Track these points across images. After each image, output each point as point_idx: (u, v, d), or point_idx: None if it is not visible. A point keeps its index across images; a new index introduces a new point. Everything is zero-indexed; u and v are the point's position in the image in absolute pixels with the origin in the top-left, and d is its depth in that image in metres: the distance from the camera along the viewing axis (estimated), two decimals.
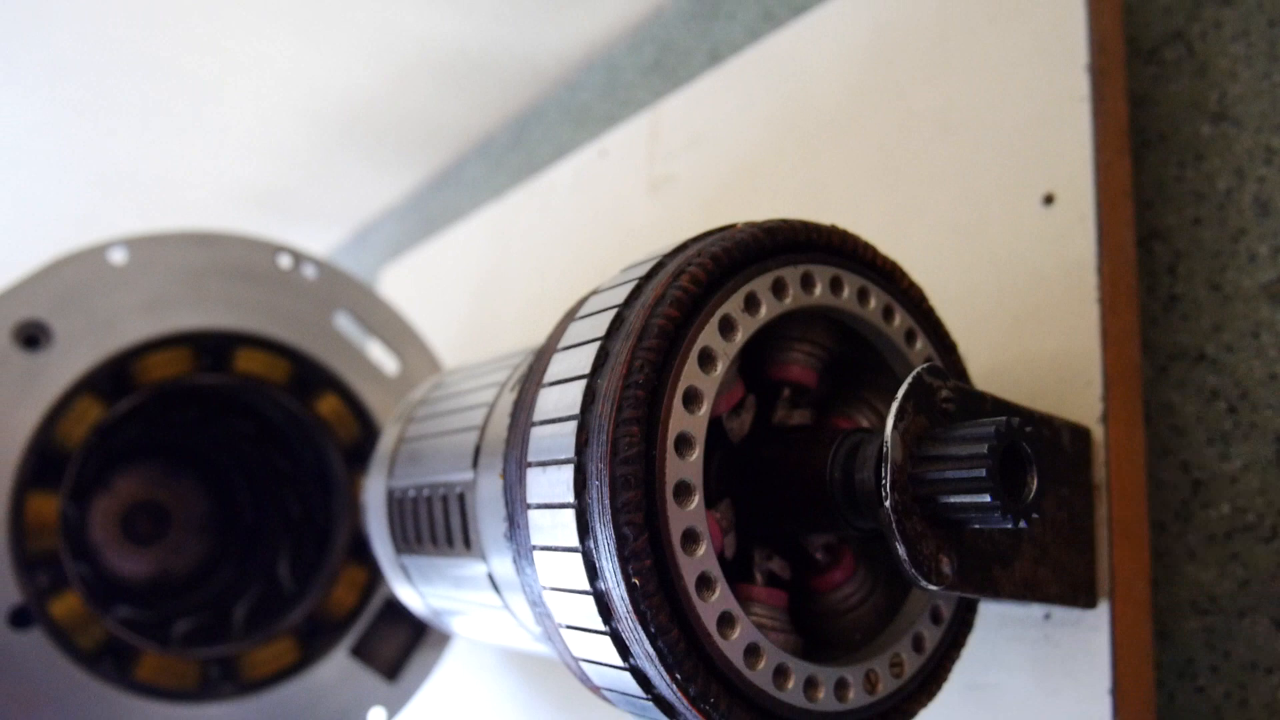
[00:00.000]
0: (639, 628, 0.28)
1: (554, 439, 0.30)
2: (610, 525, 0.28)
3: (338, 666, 0.67)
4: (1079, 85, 0.41)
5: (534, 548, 0.31)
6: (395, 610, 0.70)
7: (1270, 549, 0.38)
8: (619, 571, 0.28)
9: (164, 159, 1.14)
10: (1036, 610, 0.38)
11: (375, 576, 0.71)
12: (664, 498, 0.28)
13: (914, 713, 0.33)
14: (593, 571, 0.29)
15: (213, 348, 0.67)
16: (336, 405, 0.71)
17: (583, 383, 0.30)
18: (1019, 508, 0.27)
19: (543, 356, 0.34)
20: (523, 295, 0.79)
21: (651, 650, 0.28)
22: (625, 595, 0.28)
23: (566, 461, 0.29)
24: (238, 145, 1.10)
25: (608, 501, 0.28)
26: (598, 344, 0.30)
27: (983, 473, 0.27)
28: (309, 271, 0.71)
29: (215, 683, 0.65)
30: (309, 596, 0.69)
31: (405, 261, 1.03)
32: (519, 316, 0.78)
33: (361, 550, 0.72)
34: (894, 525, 0.28)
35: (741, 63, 0.61)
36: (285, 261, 0.70)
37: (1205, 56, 0.44)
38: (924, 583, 0.29)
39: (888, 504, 0.28)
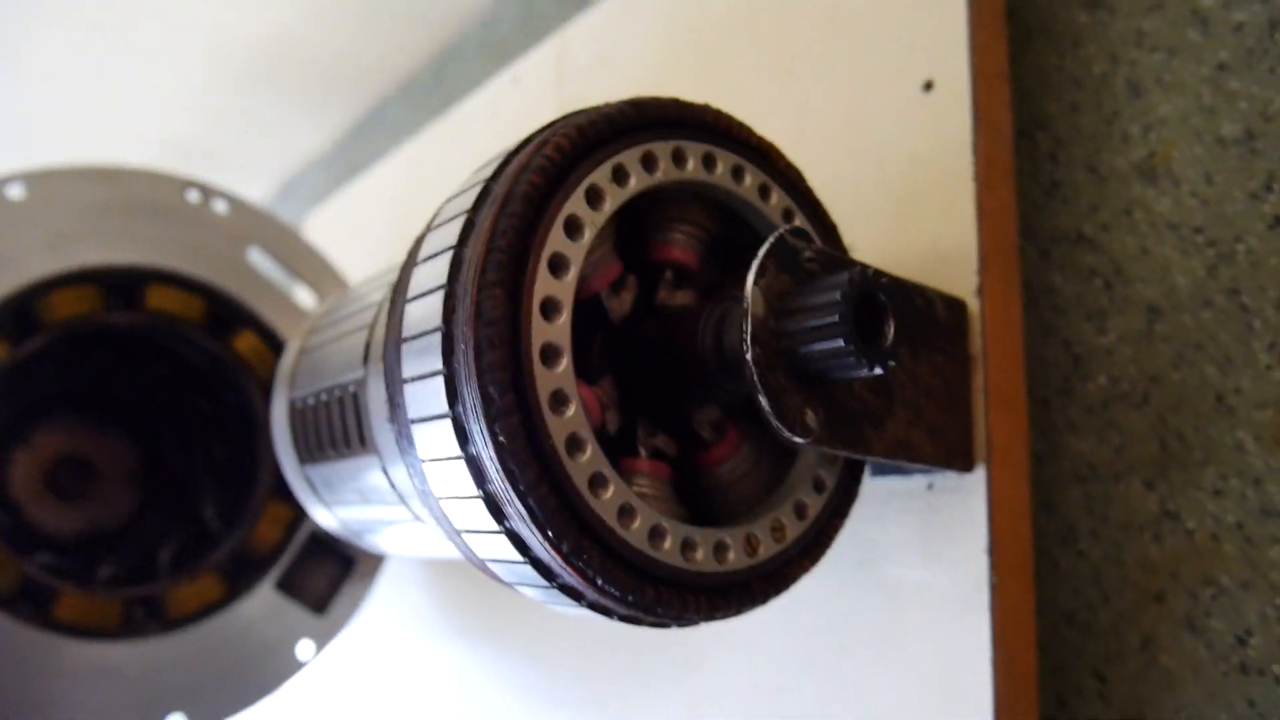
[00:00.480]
0: (509, 487, 0.28)
1: (424, 312, 0.30)
2: (476, 386, 0.28)
3: (264, 601, 0.67)
4: None
5: (410, 421, 0.31)
6: (322, 544, 0.70)
7: (1142, 414, 0.39)
8: (485, 431, 0.28)
9: (76, 115, 1.11)
10: (920, 481, 0.39)
11: (300, 513, 0.71)
12: (530, 359, 0.28)
13: (796, 576, 0.34)
14: (463, 436, 0.29)
15: (121, 285, 0.66)
16: (254, 342, 0.71)
17: (450, 253, 0.30)
18: (874, 354, 0.28)
19: (418, 241, 0.34)
20: None
21: (522, 509, 0.28)
22: (494, 455, 0.28)
23: (434, 331, 0.29)
24: (152, 96, 1.07)
25: (473, 363, 0.28)
26: (464, 216, 0.30)
27: (835, 318, 0.27)
28: (219, 207, 0.70)
29: (139, 621, 0.64)
30: (233, 535, 0.69)
31: (327, 208, 1.02)
32: None
33: (285, 487, 0.72)
34: (756, 379, 0.29)
35: None
36: (194, 196, 0.69)
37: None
38: (789, 434, 0.29)
39: (749, 357, 0.29)
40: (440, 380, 0.29)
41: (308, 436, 0.45)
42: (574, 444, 0.29)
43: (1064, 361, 0.42)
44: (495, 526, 0.30)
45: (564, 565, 0.29)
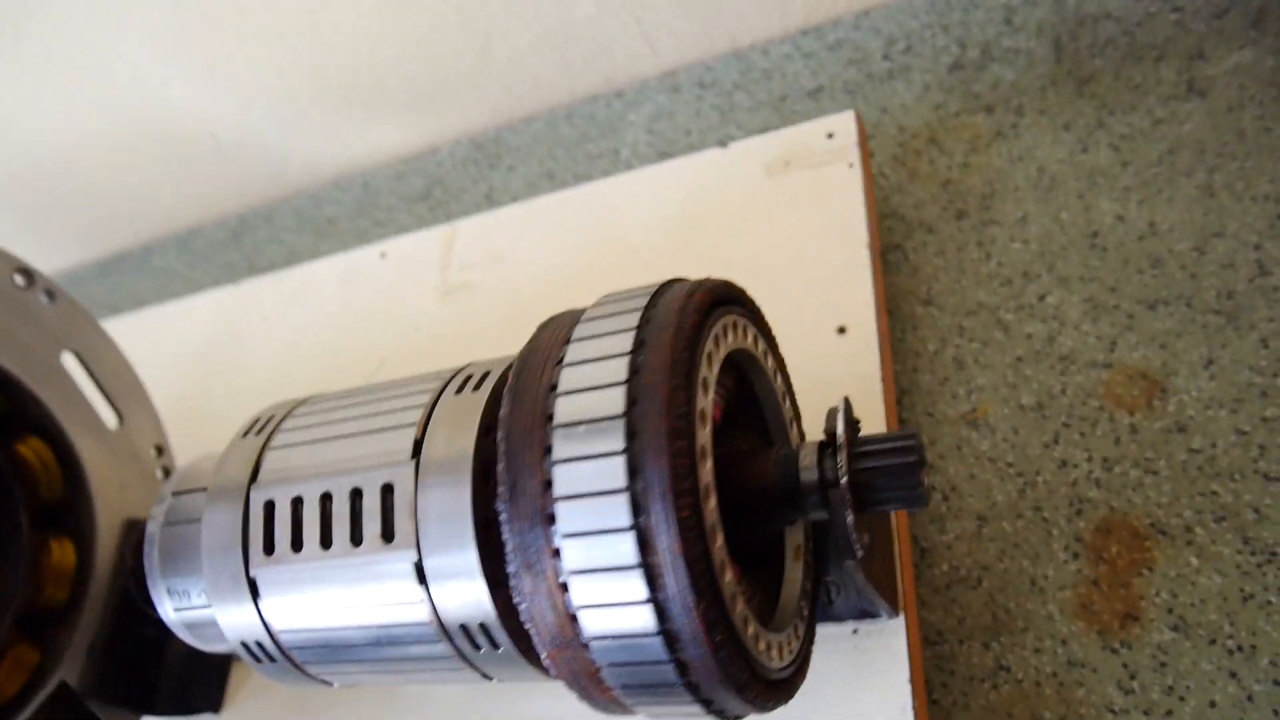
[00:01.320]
0: (690, 594, 0.33)
1: (595, 403, 0.35)
2: (666, 470, 0.33)
3: None
4: (862, 257, 0.57)
5: (558, 498, 0.34)
6: (70, 698, 0.59)
7: (977, 593, 0.53)
8: (669, 510, 0.33)
9: None
10: (847, 627, 0.48)
11: (50, 659, 0.59)
12: (694, 455, 0.34)
13: (799, 684, 0.41)
14: (637, 509, 0.33)
15: None
16: (43, 452, 0.62)
17: (626, 358, 0.36)
18: (927, 493, 0.38)
19: (546, 345, 0.39)
20: (266, 377, 0.76)
21: (698, 619, 0.33)
22: (675, 531, 0.33)
23: (612, 418, 0.34)
24: None
25: (665, 446, 0.33)
26: (632, 333, 0.37)
27: (914, 459, 0.38)
28: (43, 298, 0.63)
29: None
30: None
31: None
32: (262, 395, 0.75)
33: (34, 627, 0.60)
34: (849, 503, 0.37)
35: (556, 201, 0.71)
36: (20, 280, 0.61)
37: (917, 262, 0.63)
38: (854, 550, 0.38)
39: (844, 482, 0.37)
40: (620, 460, 0.34)
41: (275, 534, 0.43)
42: (723, 563, 0.35)
43: (914, 553, 0.55)
44: (645, 596, 0.33)
45: (711, 658, 0.34)
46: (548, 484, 0.35)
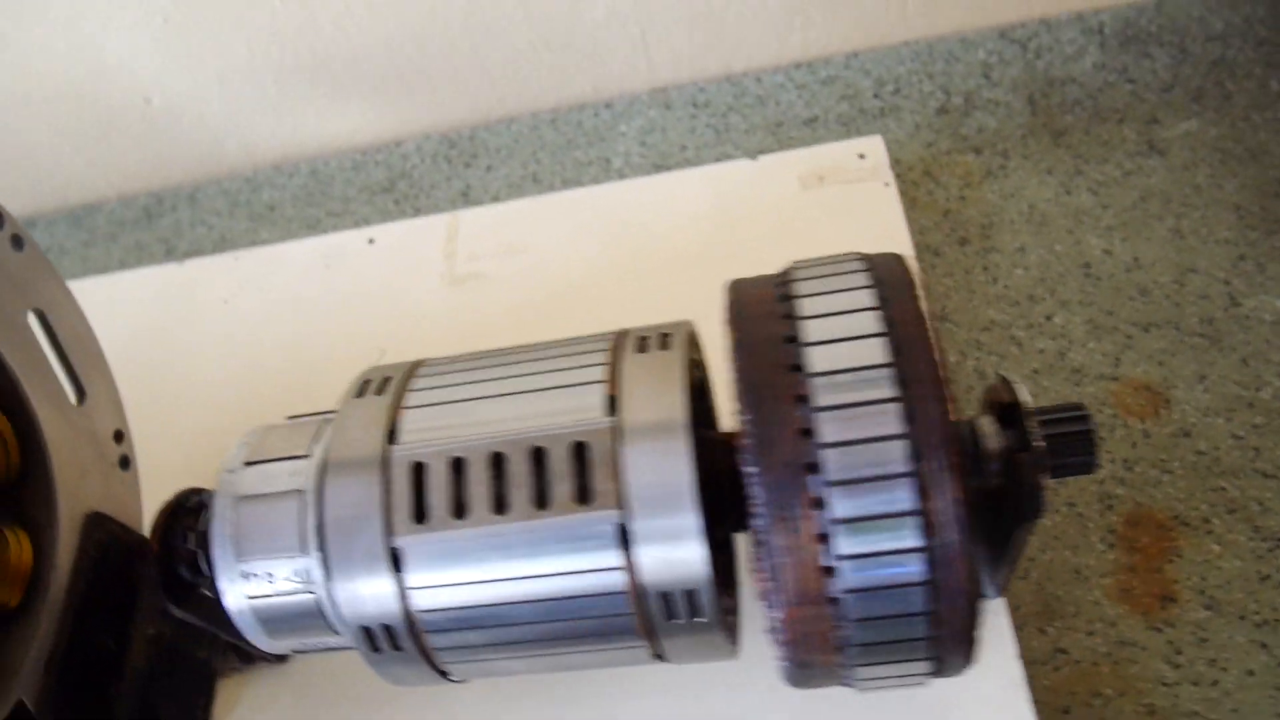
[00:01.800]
0: (961, 544, 0.33)
1: (855, 351, 0.35)
2: (947, 442, 0.34)
3: None
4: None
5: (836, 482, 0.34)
6: None
7: (1027, 583, 0.56)
8: (955, 488, 0.33)
9: None
10: None
11: (2, 673, 0.49)
12: None
13: None
14: (925, 492, 0.33)
15: None
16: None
17: (884, 338, 0.36)
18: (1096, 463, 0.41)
19: (754, 308, 0.38)
20: (224, 364, 0.68)
21: (963, 570, 0.33)
22: (962, 517, 0.33)
23: (888, 401, 0.34)
24: None
25: (944, 428, 0.34)
26: (872, 289, 0.37)
27: (1092, 427, 0.40)
28: (8, 246, 0.53)
29: None
30: None
31: None
32: (220, 382, 0.67)
33: None
34: (1045, 465, 0.39)
35: (576, 197, 0.70)
36: None
37: (928, 283, 0.68)
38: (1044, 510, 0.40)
39: (1037, 445, 0.39)
40: (895, 408, 0.34)
41: (431, 498, 0.38)
42: None
43: None
44: (920, 544, 0.33)
45: (966, 610, 0.34)
46: (806, 432, 0.35)
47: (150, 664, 0.57)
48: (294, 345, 0.68)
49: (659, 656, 0.41)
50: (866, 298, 0.37)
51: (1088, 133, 0.72)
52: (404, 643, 0.40)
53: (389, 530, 0.39)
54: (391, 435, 0.40)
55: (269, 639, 0.44)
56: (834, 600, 0.35)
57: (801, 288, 0.38)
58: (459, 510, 0.39)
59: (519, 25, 0.76)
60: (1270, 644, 0.52)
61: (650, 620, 0.39)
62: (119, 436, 0.61)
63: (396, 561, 0.39)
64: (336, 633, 0.43)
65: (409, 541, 0.39)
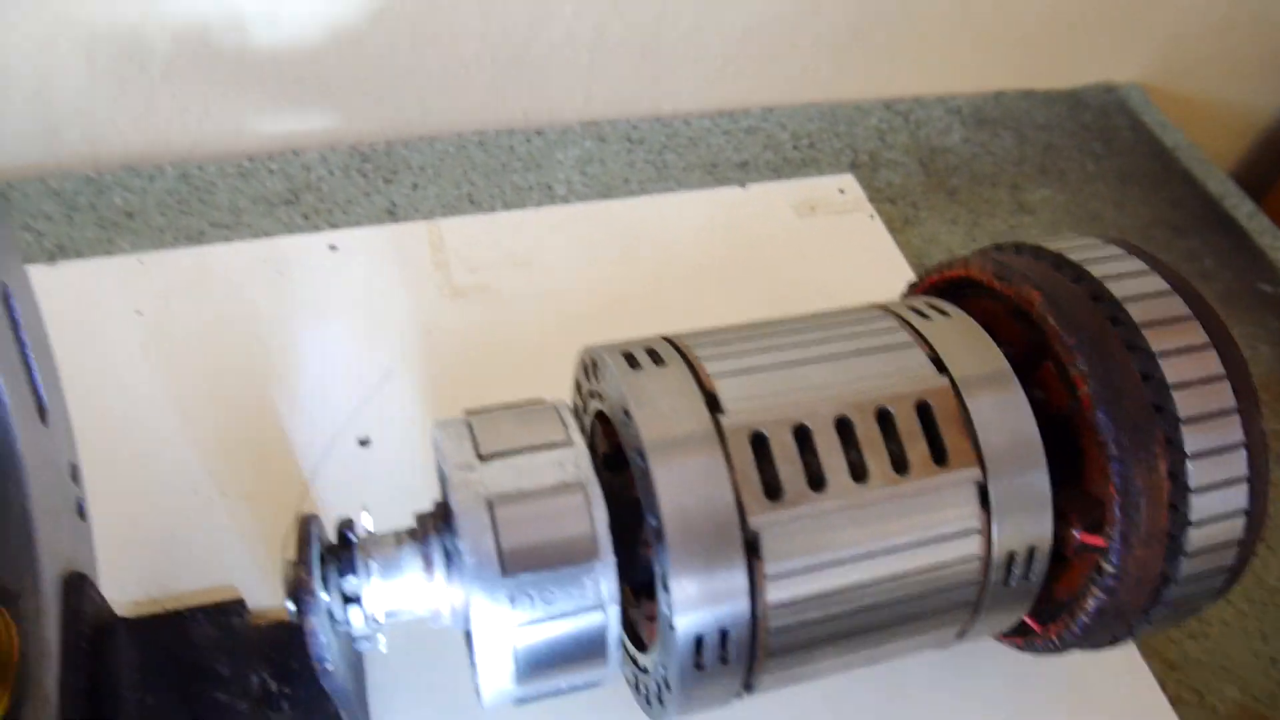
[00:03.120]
0: (1264, 475, 0.37)
1: (1166, 307, 0.38)
2: (1247, 379, 0.38)
3: None
4: None
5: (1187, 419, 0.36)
6: None
7: None
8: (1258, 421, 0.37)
9: None
10: None
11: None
12: None
13: None
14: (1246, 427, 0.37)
15: None
16: None
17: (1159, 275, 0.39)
18: None
19: (1044, 274, 0.40)
20: (182, 378, 0.53)
21: (1263, 498, 0.38)
22: (1263, 447, 0.37)
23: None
24: None
25: (1238, 352, 0.38)
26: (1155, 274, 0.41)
27: None
28: None
29: None
30: None
31: None
32: (161, 399, 0.52)
33: None
34: None
35: (576, 212, 0.65)
36: None
37: None
38: None
39: None
40: (1214, 352, 0.37)
41: (786, 469, 0.33)
42: None
43: None
44: (1246, 474, 0.37)
45: (1257, 539, 0.38)
46: (1146, 377, 0.37)
47: None
48: (252, 362, 0.54)
49: (960, 636, 0.39)
50: (1148, 263, 0.40)
51: (972, 193, 0.84)
52: (735, 649, 0.34)
53: (742, 514, 0.33)
54: (714, 406, 0.35)
55: (518, 684, 0.34)
56: (1173, 536, 0.37)
57: (1078, 255, 0.41)
58: (817, 482, 0.34)
59: (472, 35, 0.71)
60: None
61: (984, 589, 0.37)
62: (74, 473, 0.44)
63: (753, 549, 0.33)
64: (605, 663, 0.35)
65: (766, 522, 0.33)
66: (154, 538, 0.48)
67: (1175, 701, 0.51)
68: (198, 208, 0.69)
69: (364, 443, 0.52)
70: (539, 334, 0.58)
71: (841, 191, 0.71)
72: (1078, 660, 0.50)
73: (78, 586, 0.40)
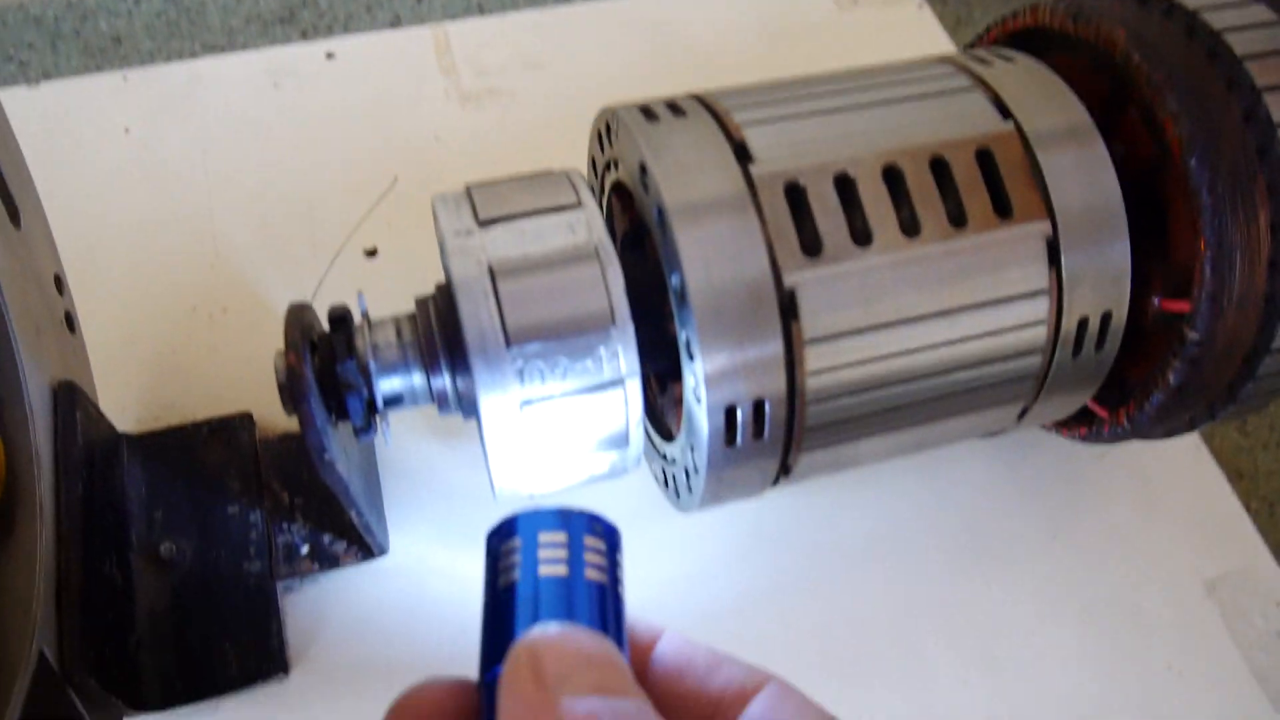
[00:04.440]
0: None
1: None
2: None
3: None
4: None
5: None
6: (49, 679, 0.31)
7: None
8: None
9: None
10: None
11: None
12: None
13: None
14: None
15: None
16: None
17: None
18: None
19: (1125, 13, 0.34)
20: (176, 194, 0.49)
21: None
22: None
23: None
24: None
25: None
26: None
27: None
28: None
29: None
30: None
31: None
32: (153, 218, 0.48)
33: None
34: None
35: (598, 10, 0.60)
36: None
37: None
38: None
39: None
40: None
41: (825, 226, 0.29)
42: None
43: None
44: None
45: None
46: (1249, 117, 0.31)
47: (174, 593, 0.39)
48: (249, 176, 0.50)
49: (1021, 418, 0.35)
50: None
51: None
52: (771, 423, 0.31)
53: (776, 270, 0.29)
54: (743, 155, 0.31)
55: (530, 472, 0.31)
56: (1271, 298, 0.32)
57: None
58: (861, 237, 0.30)
59: None
60: None
61: (1051, 360, 0.33)
62: (59, 284, 0.41)
63: (789, 310, 0.29)
64: (626, 446, 0.32)
65: (804, 280, 0.29)
66: (155, 356, 0.46)
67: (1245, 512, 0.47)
68: (188, 29, 0.64)
69: (371, 253, 0.48)
70: (554, 140, 0.53)
71: None
72: (1142, 459, 0.46)
73: (69, 397, 0.38)
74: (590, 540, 0.19)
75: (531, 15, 0.60)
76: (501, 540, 0.20)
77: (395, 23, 0.67)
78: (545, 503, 0.20)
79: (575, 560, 0.19)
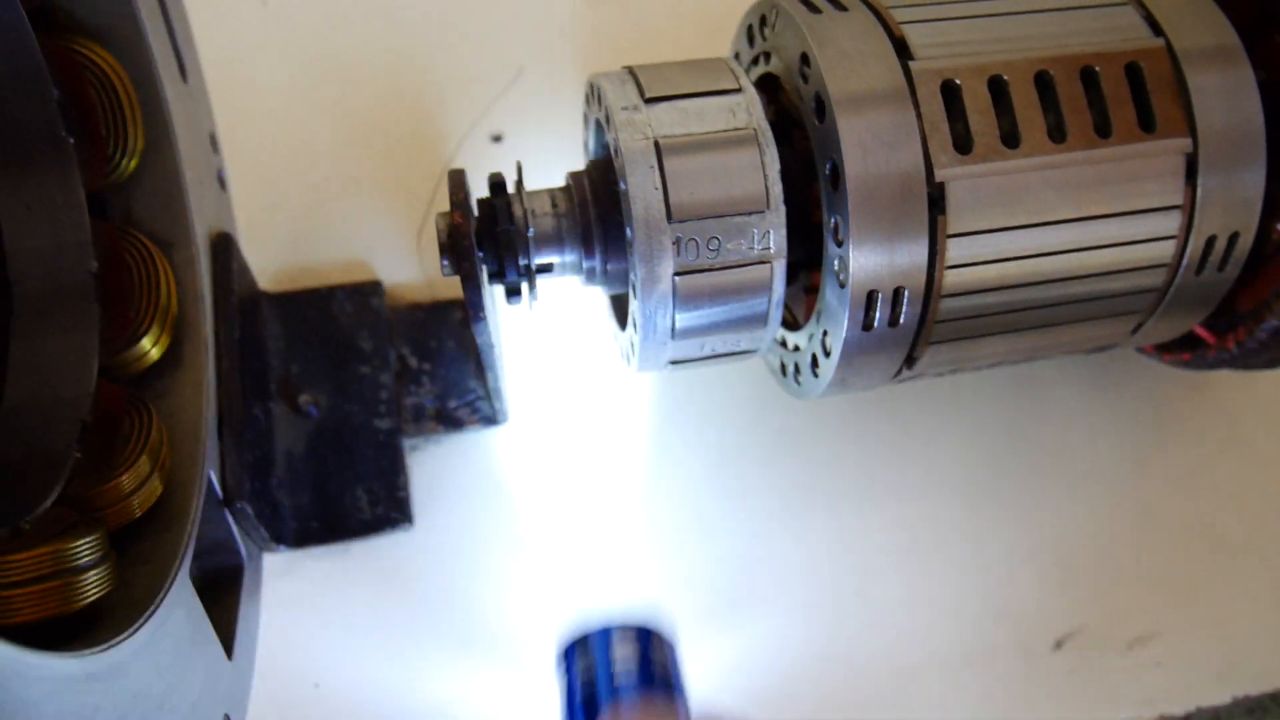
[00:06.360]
0: None
1: None
2: None
3: None
4: None
5: None
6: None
7: None
8: None
9: None
10: None
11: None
12: None
13: None
14: None
15: None
16: (120, 77, 0.34)
17: None
18: None
19: None
20: (314, 69, 0.51)
21: None
22: None
23: None
24: None
25: None
26: None
27: None
28: None
29: None
30: None
31: None
32: (293, 90, 0.50)
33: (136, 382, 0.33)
34: None
35: None
36: None
37: None
38: None
39: None
40: None
41: (978, 126, 0.30)
42: None
43: None
44: None
45: None
46: None
47: (310, 441, 0.42)
48: (384, 54, 0.52)
49: (1135, 331, 0.37)
50: None
51: None
52: (907, 312, 0.32)
53: (928, 165, 0.31)
54: (903, 51, 0.32)
55: (674, 339, 0.34)
56: None
57: None
58: (1010, 139, 0.31)
59: None
60: None
61: (1175, 275, 0.34)
62: (213, 142, 0.44)
63: (936, 203, 0.31)
64: (765, 324, 0.34)
65: (954, 175, 0.31)
66: (291, 219, 0.48)
67: None
68: None
69: (497, 138, 0.50)
70: (680, 35, 0.55)
71: None
72: (1229, 393, 0.48)
73: (225, 246, 0.40)
74: (654, 649, 0.27)
75: None
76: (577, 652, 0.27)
77: None
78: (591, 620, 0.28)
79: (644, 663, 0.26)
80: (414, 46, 0.53)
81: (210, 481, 0.35)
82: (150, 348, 0.35)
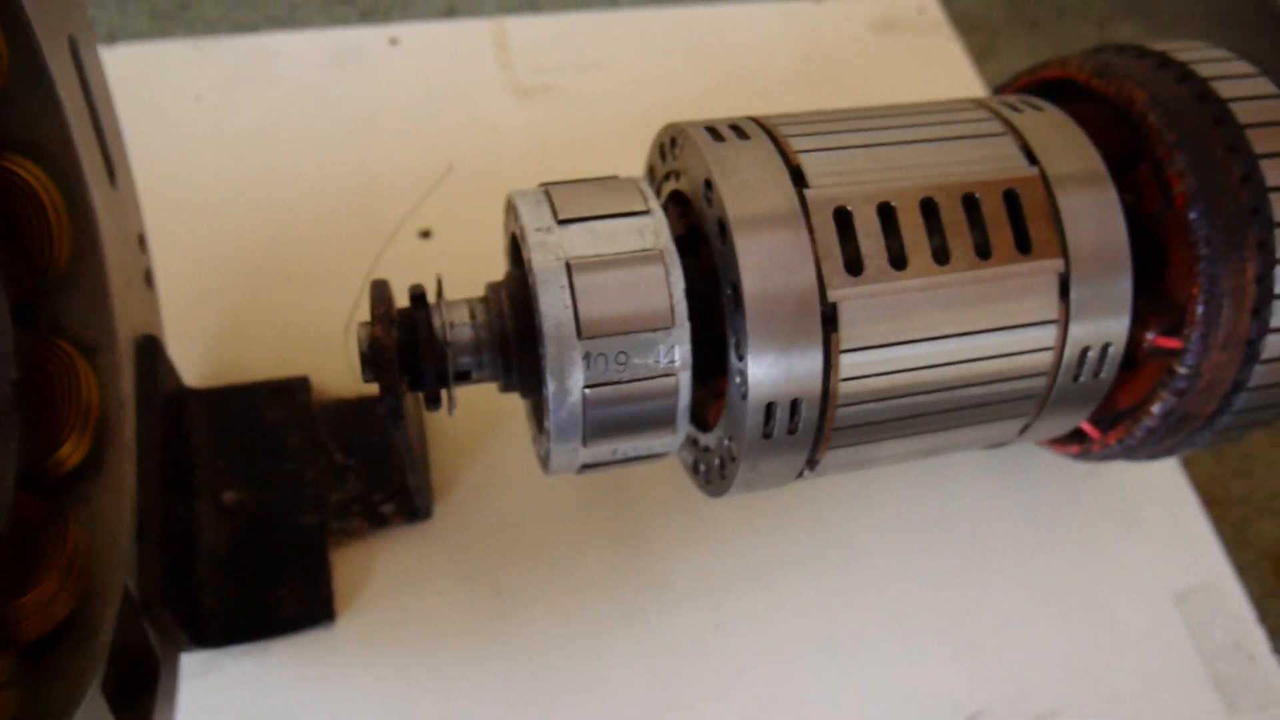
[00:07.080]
0: None
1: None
2: None
3: None
4: None
5: None
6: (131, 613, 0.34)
7: None
8: None
9: None
10: None
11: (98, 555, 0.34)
12: None
13: None
14: None
15: None
16: (46, 186, 0.35)
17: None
18: None
19: (1133, 75, 0.38)
20: (242, 164, 0.52)
21: None
22: None
23: None
24: None
25: None
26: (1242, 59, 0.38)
27: None
28: None
29: None
30: None
31: None
32: (222, 187, 0.51)
33: (48, 490, 0.34)
34: None
35: (647, 17, 0.63)
36: None
37: None
38: None
39: None
40: None
41: (868, 249, 0.32)
42: None
43: None
44: None
45: None
46: (1246, 179, 0.35)
47: (234, 538, 0.43)
48: (314, 151, 0.54)
49: (1023, 432, 0.39)
50: (1257, 66, 0.38)
51: (1056, 26, 0.80)
52: (804, 421, 0.34)
53: (821, 287, 0.33)
54: (799, 179, 0.34)
55: (585, 446, 0.35)
56: (1252, 342, 0.36)
57: (1185, 55, 0.39)
58: (899, 261, 0.34)
59: None
60: None
61: (1054, 382, 0.37)
62: (142, 242, 0.44)
63: (830, 321, 0.33)
64: (674, 430, 0.36)
65: (846, 295, 0.33)
66: (220, 314, 0.49)
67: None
68: (252, 0, 0.67)
69: (425, 234, 0.52)
70: (605, 137, 0.57)
71: (920, 12, 0.67)
72: (1125, 480, 0.50)
73: (150, 348, 0.41)
74: None
75: (585, 17, 0.63)
76: None
77: (451, 9, 0.70)
78: None
79: None
80: (345, 142, 0.55)
81: (127, 588, 0.35)
82: (70, 453, 0.35)
